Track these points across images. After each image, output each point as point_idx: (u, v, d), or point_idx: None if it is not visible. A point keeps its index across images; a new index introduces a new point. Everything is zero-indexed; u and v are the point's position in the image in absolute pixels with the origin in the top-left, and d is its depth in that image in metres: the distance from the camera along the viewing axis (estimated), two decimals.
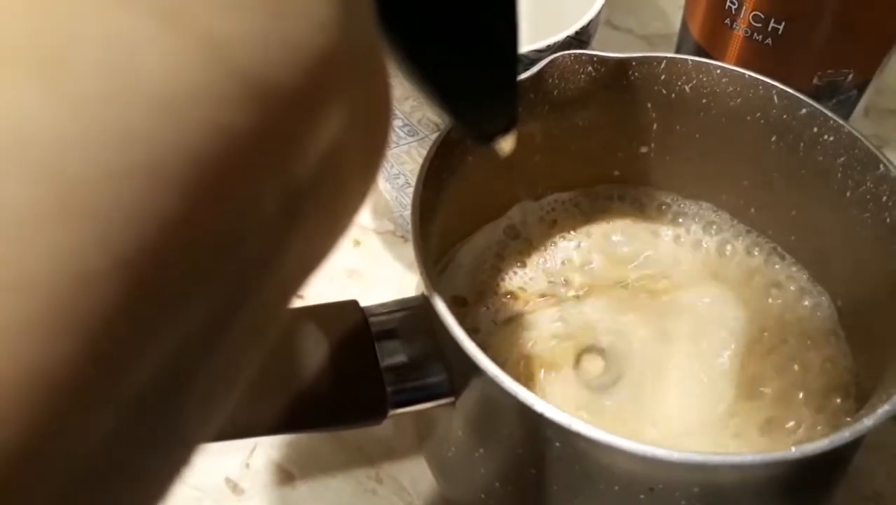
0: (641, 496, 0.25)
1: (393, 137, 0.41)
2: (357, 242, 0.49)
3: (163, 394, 0.11)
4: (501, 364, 0.26)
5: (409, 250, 0.48)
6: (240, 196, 0.11)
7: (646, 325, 0.35)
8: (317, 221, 0.14)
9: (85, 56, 0.10)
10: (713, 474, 0.24)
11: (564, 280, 0.37)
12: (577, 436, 0.24)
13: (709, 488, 0.25)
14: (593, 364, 0.34)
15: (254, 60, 0.11)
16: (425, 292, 0.28)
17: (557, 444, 0.25)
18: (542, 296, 0.37)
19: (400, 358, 0.29)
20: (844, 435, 0.23)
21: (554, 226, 0.40)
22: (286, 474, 0.40)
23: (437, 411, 0.30)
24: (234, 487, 0.39)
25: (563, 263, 0.38)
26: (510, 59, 0.22)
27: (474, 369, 0.25)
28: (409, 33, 0.18)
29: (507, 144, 0.26)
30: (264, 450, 0.40)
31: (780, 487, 0.26)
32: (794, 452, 0.23)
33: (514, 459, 0.28)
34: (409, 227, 0.47)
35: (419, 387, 0.29)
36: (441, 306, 0.26)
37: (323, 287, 0.47)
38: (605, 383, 0.33)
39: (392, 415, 0.29)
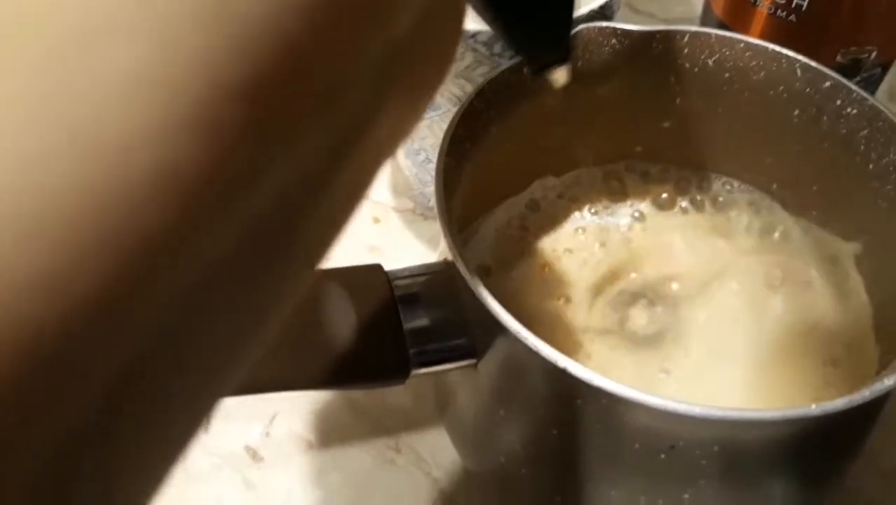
0: (662, 455, 0.26)
1: None
2: (377, 220, 0.49)
3: (273, 228, 0.12)
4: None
5: (429, 228, 0.48)
6: (352, 34, 0.12)
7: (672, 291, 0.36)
8: (405, 87, 0.15)
9: None
10: (733, 431, 0.24)
11: (579, 252, 0.38)
12: (598, 391, 0.24)
13: (729, 447, 0.25)
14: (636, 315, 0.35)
15: None
16: (449, 255, 0.28)
17: (579, 401, 0.26)
18: (556, 268, 0.37)
19: (423, 321, 0.29)
20: (864, 394, 0.24)
21: (575, 201, 0.40)
22: (306, 443, 0.40)
23: (458, 375, 0.30)
24: (254, 455, 0.40)
25: (582, 235, 0.38)
26: None
27: (497, 328, 0.26)
28: None
29: (561, 76, 0.28)
30: (284, 419, 0.41)
31: (800, 449, 0.26)
32: (815, 408, 0.23)
33: (535, 419, 0.28)
34: (430, 203, 0.48)
35: (441, 348, 0.29)
36: (464, 269, 0.27)
37: (344, 262, 0.47)
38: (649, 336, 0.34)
39: (414, 375, 0.29)
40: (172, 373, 0.11)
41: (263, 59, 0.10)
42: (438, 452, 0.39)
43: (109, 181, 0.09)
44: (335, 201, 0.14)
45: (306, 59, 0.11)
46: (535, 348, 0.25)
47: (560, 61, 0.27)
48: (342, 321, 0.28)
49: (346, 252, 0.47)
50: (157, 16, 0.09)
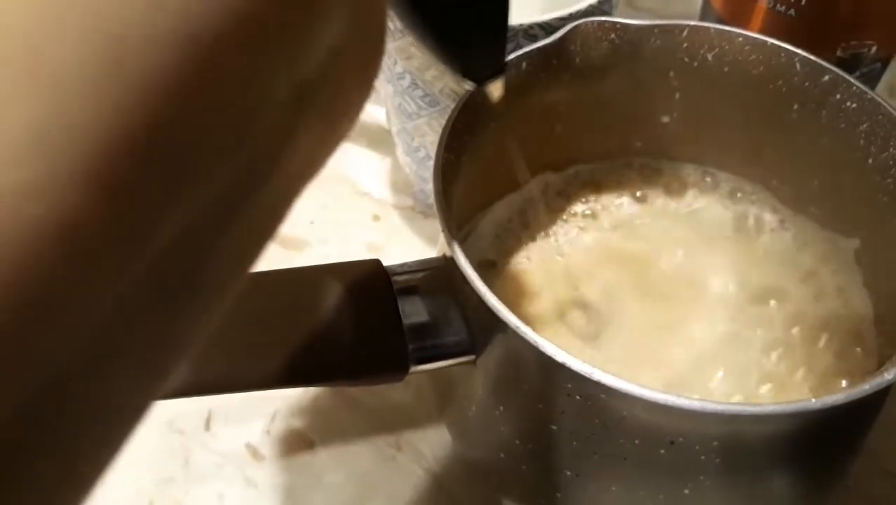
0: (662, 451, 0.26)
1: (414, 108, 0.41)
2: (377, 217, 0.49)
3: (178, 264, 0.12)
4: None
5: (429, 226, 0.48)
6: (256, 75, 0.12)
7: (648, 290, 0.36)
8: (317, 123, 0.15)
9: None
10: (733, 425, 0.24)
11: (579, 249, 0.38)
12: (598, 386, 0.24)
13: (729, 442, 0.25)
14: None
15: None
16: (448, 251, 0.28)
17: (578, 396, 0.25)
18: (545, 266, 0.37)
19: (422, 316, 0.29)
20: (864, 388, 0.24)
21: (575, 196, 0.40)
22: (306, 441, 0.40)
23: (458, 371, 0.30)
24: (255, 453, 0.40)
25: (580, 233, 0.38)
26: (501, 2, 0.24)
27: (496, 323, 0.26)
28: None
29: (496, 90, 0.28)
30: (284, 417, 0.41)
31: (800, 443, 0.26)
32: (815, 402, 0.23)
33: (534, 415, 0.28)
34: (429, 201, 0.48)
35: (440, 344, 0.29)
36: (463, 261, 0.27)
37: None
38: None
39: (413, 371, 0.29)
40: (82, 402, 0.11)
41: (158, 109, 0.11)
42: (439, 449, 0.39)
43: (4, 231, 0.09)
44: (246, 233, 0.14)
45: (206, 105, 0.11)
46: (534, 343, 0.25)
47: (495, 75, 0.27)
48: (340, 317, 0.28)
49: (345, 249, 0.47)
50: (49, 73, 0.10)
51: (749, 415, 0.23)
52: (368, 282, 0.29)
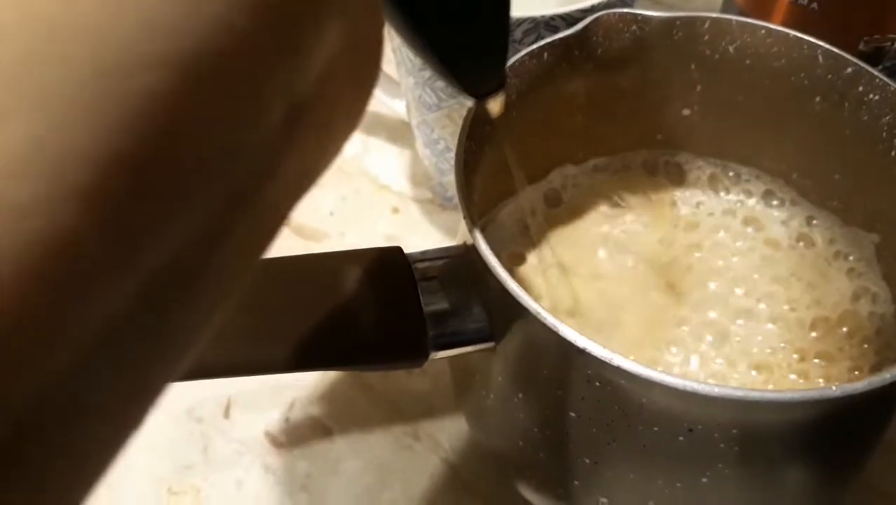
0: (680, 438, 0.26)
1: (434, 100, 0.41)
2: (396, 210, 0.49)
3: (173, 279, 0.12)
4: None
5: (448, 218, 0.49)
6: (248, 96, 0.12)
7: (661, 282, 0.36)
8: (312, 139, 0.15)
9: None
10: (751, 412, 0.24)
11: (597, 241, 0.38)
12: (618, 371, 0.24)
13: (748, 430, 0.25)
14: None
15: None
16: (469, 238, 0.28)
17: (598, 383, 0.26)
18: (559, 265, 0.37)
19: (442, 303, 0.29)
20: (885, 377, 0.23)
21: (595, 189, 0.40)
22: (325, 429, 0.40)
23: (477, 358, 0.30)
24: (274, 441, 0.40)
25: (603, 222, 0.38)
26: (501, 17, 0.24)
27: (516, 309, 0.26)
28: None
29: (495, 106, 0.27)
30: (303, 405, 0.41)
31: (820, 432, 0.26)
32: (836, 390, 0.23)
33: (553, 402, 0.28)
34: (448, 194, 0.48)
35: (460, 331, 0.29)
36: (484, 248, 0.27)
37: None
38: None
39: (433, 358, 0.29)
40: (76, 410, 0.12)
41: (150, 130, 0.11)
42: (457, 438, 0.39)
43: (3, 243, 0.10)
44: (241, 245, 0.14)
45: (198, 126, 0.12)
46: (554, 328, 0.25)
47: (495, 91, 0.27)
48: (362, 302, 0.29)
49: (364, 241, 0.47)
50: (44, 96, 0.10)
51: (769, 402, 0.23)
52: (389, 268, 0.30)
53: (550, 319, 0.25)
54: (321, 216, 0.49)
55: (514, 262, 0.37)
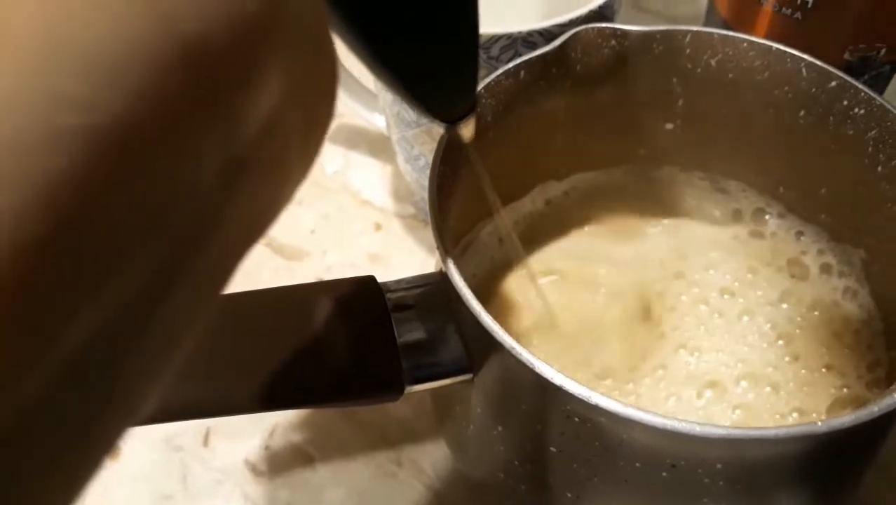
0: (664, 474, 0.25)
1: (413, 117, 0.40)
2: (378, 226, 0.48)
3: (95, 362, 0.11)
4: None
5: (431, 234, 0.48)
6: (176, 163, 0.11)
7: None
8: (255, 193, 0.14)
9: (24, 17, 0.10)
10: (735, 449, 0.23)
11: (580, 258, 0.37)
12: (596, 409, 0.23)
13: (732, 465, 0.24)
14: None
15: (191, 22, 0.11)
16: (442, 267, 0.27)
17: (577, 419, 0.25)
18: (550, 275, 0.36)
19: (417, 334, 0.29)
20: (873, 410, 0.23)
21: (577, 205, 0.39)
22: (306, 457, 0.39)
23: (456, 389, 0.30)
24: (254, 469, 0.39)
25: (586, 238, 0.37)
26: (468, 41, 0.23)
27: (492, 343, 0.25)
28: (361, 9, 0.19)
29: (467, 130, 0.27)
30: (283, 432, 0.40)
31: (807, 466, 0.25)
32: (821, 426, 0.22)
33: (532, 436, 0.27)
34: None
35: (436, 363, 0.28)
36: (458, 279, 0.26)
37: (345, 270, 0.46)
38: None
39: (409, 392, 0.28)
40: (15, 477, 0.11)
41: (63, 207, 0.10)
42: (440, 465, 0.38)
43: None
44: (184, 302, 0.13)
45: (119, 198, 0.11)
46: (530, 365, 0.24)
47: (466, 115, 0.26)
48: (333, 336, 0.28)
49: (346, 259, 0.47)
50: None
51: (752, 439, 0.23)
52: (361, 299, 0.29)
53: (526, 355, 0.24)
54: (302, 235, 0.48)
55: (494, 283, 0.36)
